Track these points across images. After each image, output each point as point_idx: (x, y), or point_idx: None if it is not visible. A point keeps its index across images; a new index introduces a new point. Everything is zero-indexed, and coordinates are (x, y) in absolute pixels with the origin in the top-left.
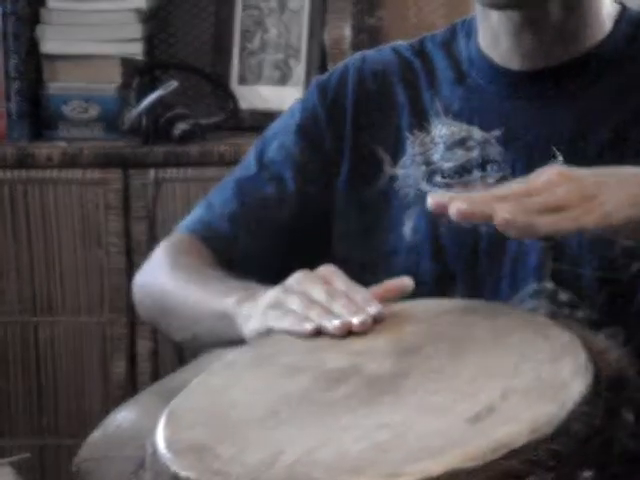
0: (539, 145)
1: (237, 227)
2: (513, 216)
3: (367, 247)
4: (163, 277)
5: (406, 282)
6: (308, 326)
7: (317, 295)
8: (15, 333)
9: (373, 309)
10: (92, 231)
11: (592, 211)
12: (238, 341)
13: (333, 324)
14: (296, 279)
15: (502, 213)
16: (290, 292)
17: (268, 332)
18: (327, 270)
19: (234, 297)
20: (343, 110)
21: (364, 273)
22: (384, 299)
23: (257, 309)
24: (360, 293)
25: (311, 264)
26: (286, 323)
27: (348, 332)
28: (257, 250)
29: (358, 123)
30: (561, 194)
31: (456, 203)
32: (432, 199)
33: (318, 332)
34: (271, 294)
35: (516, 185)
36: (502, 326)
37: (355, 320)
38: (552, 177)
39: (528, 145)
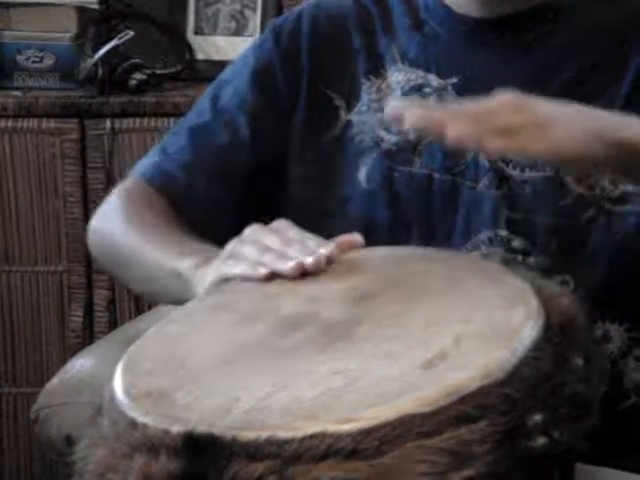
0: (495, 93)
1: (192, 176)
2: (465, 135)
3: (322, 193)
4: (117, 228)
5: (357, 238)
6: (262, 270)
7: (271, 242)
8: None
9: (325, 250)
10: (49, 181)
11: (543, 139)
12: None
13: (287, 265)
14: (250, 231)
15: (454, 131)
16: (244, 242)
17: (222, 282)
18: (280, 223)
19: (191, 260)
20: (298, 56)
21: (320, 219)
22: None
23: (213, 266)
24: (313, 240)
25: (268, 212)
26: (239, 269)
27: (303, 277)
28: (212, 199)
29: (313, 69)
30: (514, 120)
31: (412, 112)
32: (390, 108)
33: (272, 277)
34: (226, 248)
35: (472, 105)
36: (455, 273)
37: (308, 260)
38: (508, 101)
39: (484, 93)
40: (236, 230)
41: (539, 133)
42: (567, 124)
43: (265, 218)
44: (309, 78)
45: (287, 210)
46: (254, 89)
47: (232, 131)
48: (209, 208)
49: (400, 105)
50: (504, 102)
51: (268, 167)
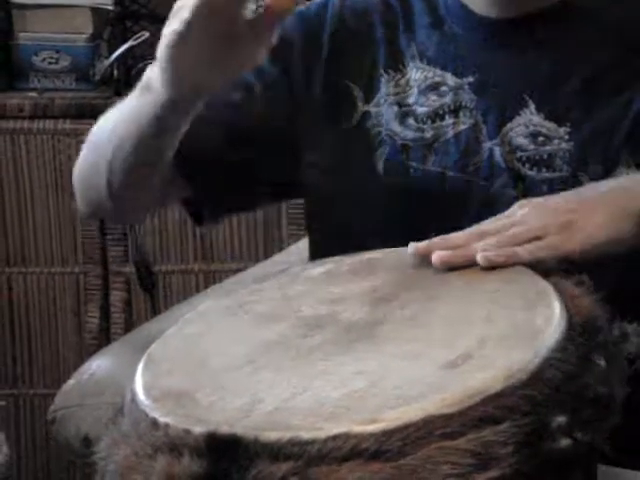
0: (511, 93)
1: (200, 124)
2: (494, 250)
3: (336, 181)
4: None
5: None
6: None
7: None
8: None
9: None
10: (65, 182)
11: (572, 237)
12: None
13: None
14: None
15: (482, 252)
16: None
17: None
18: None
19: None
20: (319, 43)
21: (334, 205)
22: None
23: None
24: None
25: (280, 196)
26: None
27: (322, 281)
28: (215, 149)
29: (333, 57)
30: (537, 225)
31: (438, 252)
32: (414, 249)
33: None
34: None
35: (491, 222)
36: (475, 274)
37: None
38: (525, 210)
39: (500, 92)
40: (233, 190)
41: (567, 232)
42: (589, 215)
43: (276, 200)
44: (327, 66)
45: (301, 195)
46: (271, 60)
47: (245, 91)
48: (210, 157)
49: (423, 245)
50: (521, 212)
51: (278, 141)
